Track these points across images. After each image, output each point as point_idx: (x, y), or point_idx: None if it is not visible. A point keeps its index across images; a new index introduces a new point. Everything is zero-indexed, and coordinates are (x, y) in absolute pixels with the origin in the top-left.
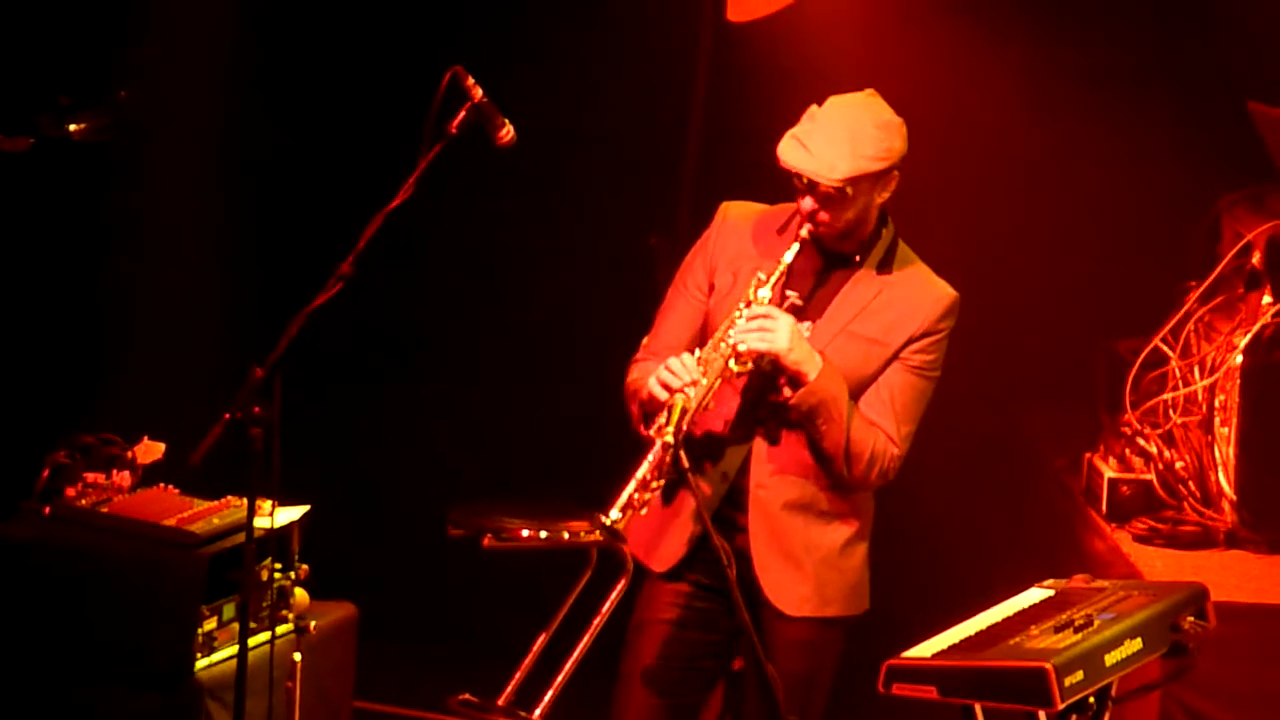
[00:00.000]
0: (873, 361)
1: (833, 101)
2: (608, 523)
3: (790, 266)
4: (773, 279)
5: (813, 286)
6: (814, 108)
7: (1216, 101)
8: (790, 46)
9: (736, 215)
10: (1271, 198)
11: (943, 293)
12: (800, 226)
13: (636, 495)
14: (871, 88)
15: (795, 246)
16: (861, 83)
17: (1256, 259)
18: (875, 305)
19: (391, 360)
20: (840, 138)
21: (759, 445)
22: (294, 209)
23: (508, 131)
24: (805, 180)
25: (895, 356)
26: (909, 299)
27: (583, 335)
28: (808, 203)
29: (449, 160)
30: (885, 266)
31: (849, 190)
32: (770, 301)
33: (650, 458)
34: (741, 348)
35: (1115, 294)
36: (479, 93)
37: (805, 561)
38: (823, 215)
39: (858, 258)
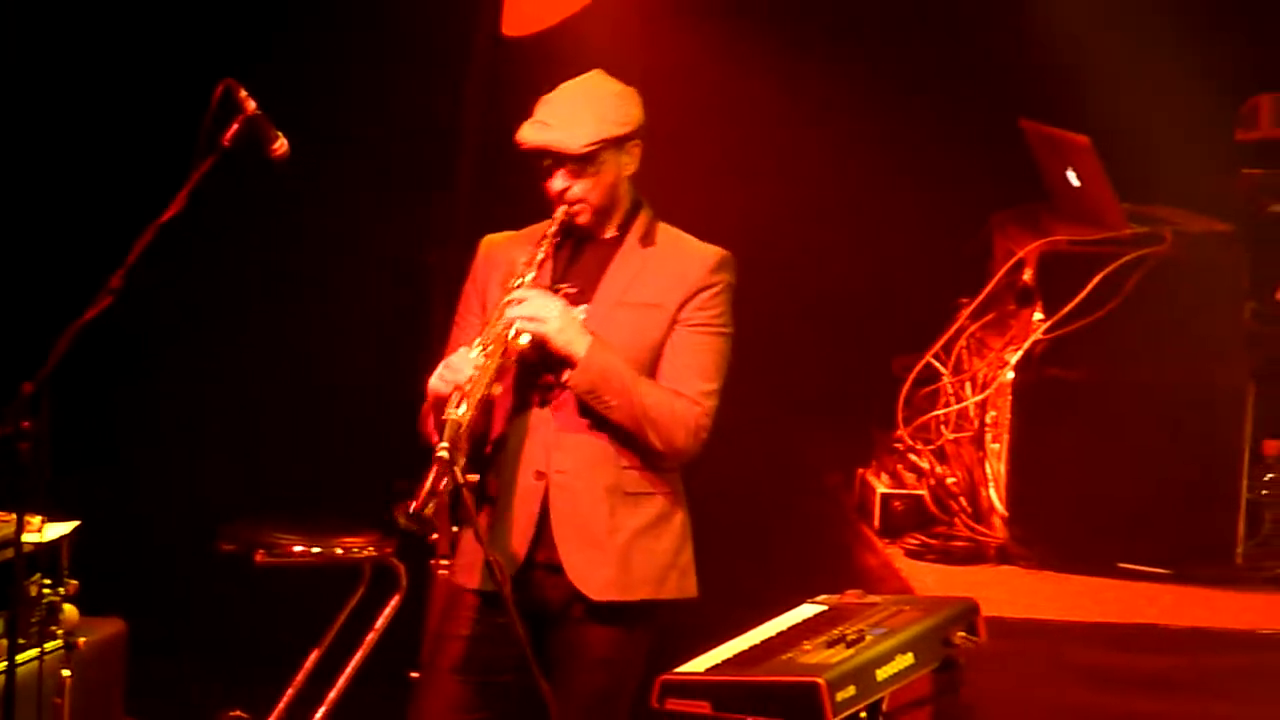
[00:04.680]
0: (654, 327)
1: (563, 85)
2: (413, 511)
3: (555, 258)
4: (536, 259)
5: (581, 272)
6: (545, 96)
7: (989, 119)
8: (568, 60)
9: (496, 241)
10: (1043, 215)
11: (711, 250)
12: (555, 211)
13: (431, 494)
14: (647, 98)
15: (553, 229)
16: (641, 92)
17: (1028, 275)
18: (645, 274)
19: (164, 375)
20: (578, 108)
21: (557, 435)
22: (65, 221)
23: (281, 145)
24: (551, 158)
25: (676, 319)
26: (678, 261)
27: (360, 352)
28: (558, 181)
29: (223, 174)
30: (648, 240)
31: (595, 160)
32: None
33: (435, 461)
34: (513, 332)
35: (889, 311)
36: (252, 105)
37: (610, 544)
38: (575, 191)
39: (618, 234)
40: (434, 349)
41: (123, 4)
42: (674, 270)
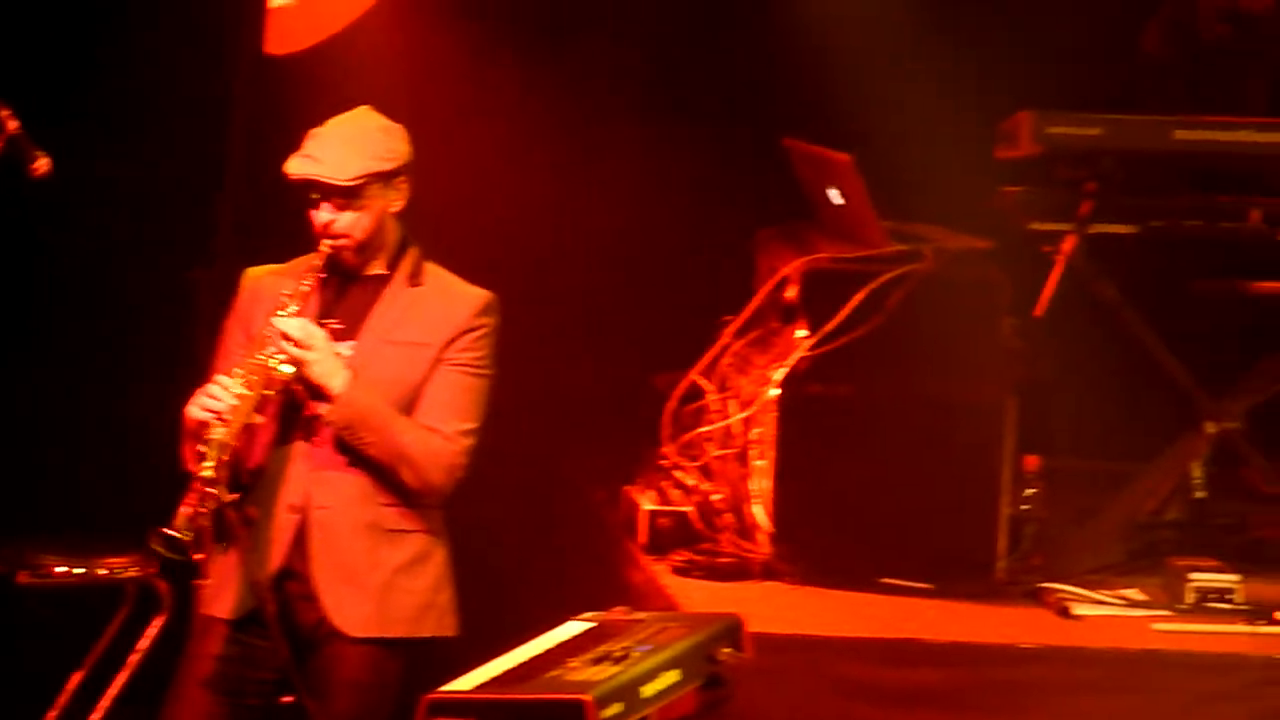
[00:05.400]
0: (418, 365)
1: (332, 120)
2: (166, 535)
3: (321, 294)
4: (300, 292)
5: (348, 308)
6: (314, 130)
7: (752, 137)
8: (331, 79)
9: (259, 274)
10: (806, 233)
11: (477, 292)
12: (320, 245)
13: (190, 518)
14: (414, 117)
15: (318, 263)
16: (407, 113)
17: (791, 293)
18: (412, 313)
19: None
20: (346, 142)
21: (317, 471)
22: None
23: (43, 163)
24: (318, 191)
25: (439, 359)
26: (444, 301)
27: (120, 371)
28: (323, 214)
29: None
30: (415, 279)
31: (361, 194)
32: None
33: (194, 486)
34: (275, 361)
35: (655, 327)
36: (14, 124)
37: (369, 581)
38: (340, 224)
39: (386, 272)
40: (199, 369)
41: None
42: (440, 311)
